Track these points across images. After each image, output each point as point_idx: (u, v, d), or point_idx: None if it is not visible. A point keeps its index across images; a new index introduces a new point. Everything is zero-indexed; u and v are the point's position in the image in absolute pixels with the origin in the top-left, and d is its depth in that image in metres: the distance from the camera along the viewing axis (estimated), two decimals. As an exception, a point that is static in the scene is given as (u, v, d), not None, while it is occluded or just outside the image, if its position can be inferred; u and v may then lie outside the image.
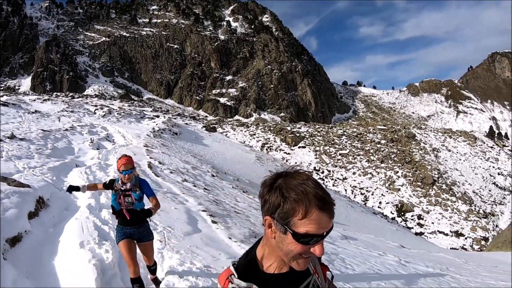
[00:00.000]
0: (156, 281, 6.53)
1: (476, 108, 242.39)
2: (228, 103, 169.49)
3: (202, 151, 39.76)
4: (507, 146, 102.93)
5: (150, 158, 22.50)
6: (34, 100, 56.76)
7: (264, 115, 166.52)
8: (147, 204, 6.27)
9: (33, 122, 31.40)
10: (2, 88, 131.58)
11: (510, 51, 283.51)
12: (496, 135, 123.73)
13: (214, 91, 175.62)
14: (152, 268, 6.49)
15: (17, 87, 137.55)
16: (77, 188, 6.26)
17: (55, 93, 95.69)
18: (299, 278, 1.91)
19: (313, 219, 1.69)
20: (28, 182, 10.07)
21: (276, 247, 1.79)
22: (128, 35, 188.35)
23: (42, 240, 7.24)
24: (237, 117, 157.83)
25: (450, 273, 12.16)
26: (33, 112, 39.49)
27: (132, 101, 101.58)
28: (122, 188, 6.12)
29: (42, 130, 25.99)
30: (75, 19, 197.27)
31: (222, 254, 7.44)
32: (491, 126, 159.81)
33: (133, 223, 6.16)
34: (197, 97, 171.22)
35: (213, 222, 10.16)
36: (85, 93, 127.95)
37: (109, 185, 6.27)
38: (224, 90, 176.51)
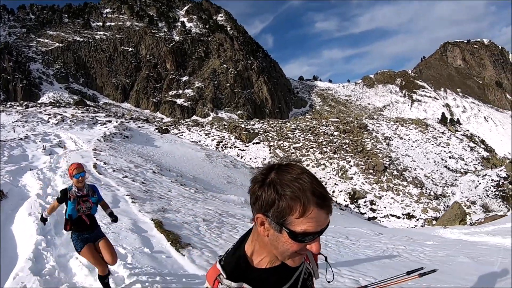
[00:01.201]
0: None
1: (429, 97, 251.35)
2: (185, 104, 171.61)
3: (151, 152, 41.54)
4: (459, 131, 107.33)
5: (97, 160, 24.78)
6: (-11, 112, 59.05)
7: (222, 114, 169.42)
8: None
9: None
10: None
11: (461, 41, 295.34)
12: (448, 121, 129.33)
13: (170, 93, 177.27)
14: (106, 277, 6.65)
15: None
16: (45, 219, 6.75)
17: (9, 103, 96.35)
18: (290, 269, 1.88)
19: (312, 217, 1.60)
20: (-10, 181, 13.45)
21: (270, 245, 1.74)
22: (81, 39, 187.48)
23: (3, 217, 10.64)
24: (194, 117, 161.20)
25: (342, 239, 15.06)
26: None
27: (87, 107, 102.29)
28: (79, 194, 6.39)
29: None
30: (27, 25, 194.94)
31: (125, 217, 10.96)
32: (443, 113, 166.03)
33: (90, 227, 6.57)
34: (154, 100, 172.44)
35: (133, 202, 13.59)
36: (40, 101, 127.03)
37: (62, 197, 6.41)
38: (180, 91, 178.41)
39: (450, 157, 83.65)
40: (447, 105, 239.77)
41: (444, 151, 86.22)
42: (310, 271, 2.03)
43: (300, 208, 1.58)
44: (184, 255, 8.71)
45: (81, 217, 6.44)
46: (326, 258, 2.13)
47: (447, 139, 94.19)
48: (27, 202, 11.79)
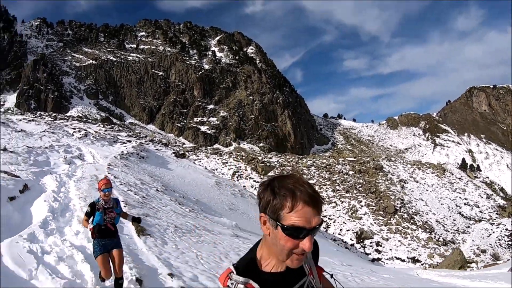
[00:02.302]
0: None
1: (453, 141, 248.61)
2: (209, 132, 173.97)
3: (162, 174, 43.20)
4: (479, 178, 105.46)
5: (108, 173, 27.40)
6: (20, 120, 63.67)
7: (244, 144, 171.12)
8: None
9: (19, 140, 38.50)
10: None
11: (487, 86, 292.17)
12: (468, 167, 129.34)
13: (195, 119, 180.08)
14: (120, 282, 7.82)
15: (1, 103, 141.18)
16: (94, 228, 7.79)
17: (39, 113, 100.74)
18: (294, 278, 2.10)
19: (299, 212, 1.83)
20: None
21: (272, 244, 1.98)
22: (115, 59, 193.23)
23: (25, 201, 14.69)
24: (216, 145, 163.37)
25: None
26: (19, 131, 46.54)
27: (112, 125, 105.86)
28: (106, 206, 7.81)
29: (27, 146, 32.77)
30: (64, 40, 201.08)
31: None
32: (463, 159, 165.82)
33: (112, 235, 7.92)
34: (179, 124, 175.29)
35: (124, 206, 17.29)
36: (68, 114, 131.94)
37: (91, 211, 7.81)
38: (205, 119, 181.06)
39: (465, 204, 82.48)
40: (470, 151, 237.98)
41: (460, 197, 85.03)
42: (313, 285, 2.25)
43: (289, 204, 1.87)
44: (140, 238, 12.44)
45: (107, 225, 7.87)
46: (332, 275, 2.46)
47: (464, 185, 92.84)
48: (44, 194, 15.99)
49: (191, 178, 47.91)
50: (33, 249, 8.75)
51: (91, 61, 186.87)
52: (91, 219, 7.83)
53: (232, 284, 1.96)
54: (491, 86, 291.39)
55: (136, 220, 8.50)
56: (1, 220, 11.13)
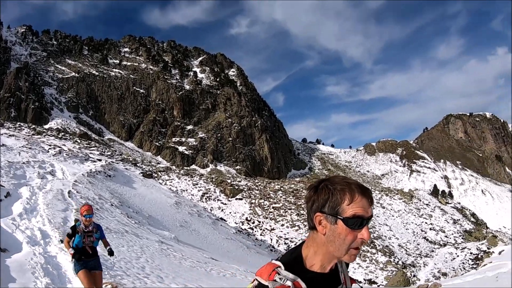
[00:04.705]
0: None
1: (429, 168, 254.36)
2: (186, 152, 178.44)
3: (124, 191, 48.06)
4: (450, 204, 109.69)
5: (73, 188, 33.81)
6: (2, 135, 70.73)
7: (220, 166, 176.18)
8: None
9: (1, 154, 46.15)
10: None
11: (464, 113, 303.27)
12: (440, 193, 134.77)
13: (174, 139, 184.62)
14: None
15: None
16: (73, 253, 8.78)
17: (18, 123, 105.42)
18: (332, 283, 2.26)
19: (358, 202, 2.03)
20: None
21: (327, 243, 2.10)
22: (97, 73, 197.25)
23: (8, 203, 23.30)
24: (194, 166, 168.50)
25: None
26: (1, 145, 53.03)
27: (89, 142, 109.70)
28: (86, 230, 8.79)
29: (8, 161, 40.34)
30: (48, 49, 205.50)
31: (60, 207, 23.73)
32: (435, 185, 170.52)
33: (91, 256, 8.94)
34: (157, 143, 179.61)
35: (76, 211, 26.13)
36: (47, 126, 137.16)
37: (72, 233, 8.86)
38: (183, 139, 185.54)
39: (430, 229, 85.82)
40: (446, 177, 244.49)
41: (425, 223, 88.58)
42: None
43: (348, 196, 2.05)
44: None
45: (85, 247, 8.80)
46: (361, 287, 2.65)
47: (431, 211, 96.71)
48: (20, 199, 24.59)
49: (152, 197, 52.45)
50: (14, 223, 17.47)
51: (73, 73, 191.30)
52: (72, 239, 8.92)
53: (280, 279, 2.05)
54: (468, 114, 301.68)
55: (110, 253, 9.36)
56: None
